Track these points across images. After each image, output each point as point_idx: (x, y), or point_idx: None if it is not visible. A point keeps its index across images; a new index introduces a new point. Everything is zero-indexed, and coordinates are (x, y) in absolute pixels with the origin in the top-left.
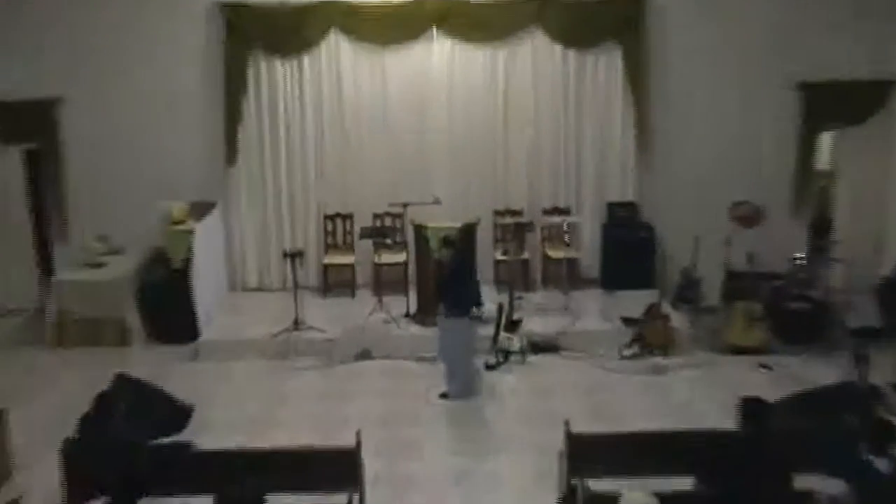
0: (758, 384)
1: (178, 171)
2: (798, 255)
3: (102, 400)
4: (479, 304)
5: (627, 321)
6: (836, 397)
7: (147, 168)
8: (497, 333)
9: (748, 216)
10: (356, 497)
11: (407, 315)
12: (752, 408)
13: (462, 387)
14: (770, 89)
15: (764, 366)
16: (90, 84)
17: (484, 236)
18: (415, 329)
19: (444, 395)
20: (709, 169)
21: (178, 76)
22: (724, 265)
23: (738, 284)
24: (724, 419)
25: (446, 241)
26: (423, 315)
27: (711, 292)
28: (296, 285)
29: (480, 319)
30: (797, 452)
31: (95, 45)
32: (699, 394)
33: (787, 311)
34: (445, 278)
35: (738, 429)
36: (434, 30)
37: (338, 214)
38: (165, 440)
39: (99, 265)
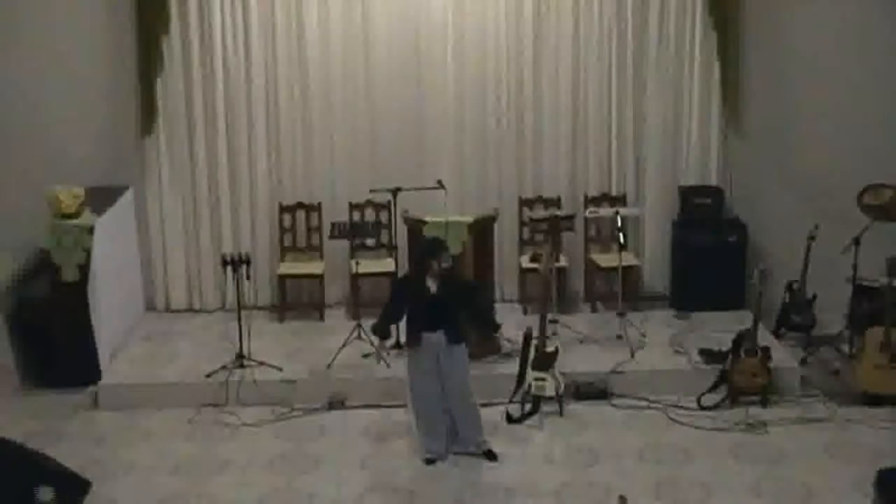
0: None
1: (70, 142)
2: None
3: None
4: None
5: (709, 356)
6: None
7: (25, 139)
8: (523, 373)
9: (886, 206)
10: None
11: (397, 346)
12: (893, 484)
13: None
14: None
15: None
16: None
17: (505, 236)
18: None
19: (491, 455)
20: (829, 139)
21: (68, 9)
22: (852, 277)
23: (872, 304)
24: (851, 498)
25: (439, 246)
26: None
27: (832, 315)
28: (240, 305)
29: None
30: None
31: None
32: (814, 461)
33: None
34: (450, 290)
35: None
36: None
37: (299, 205)
38: None
39: None
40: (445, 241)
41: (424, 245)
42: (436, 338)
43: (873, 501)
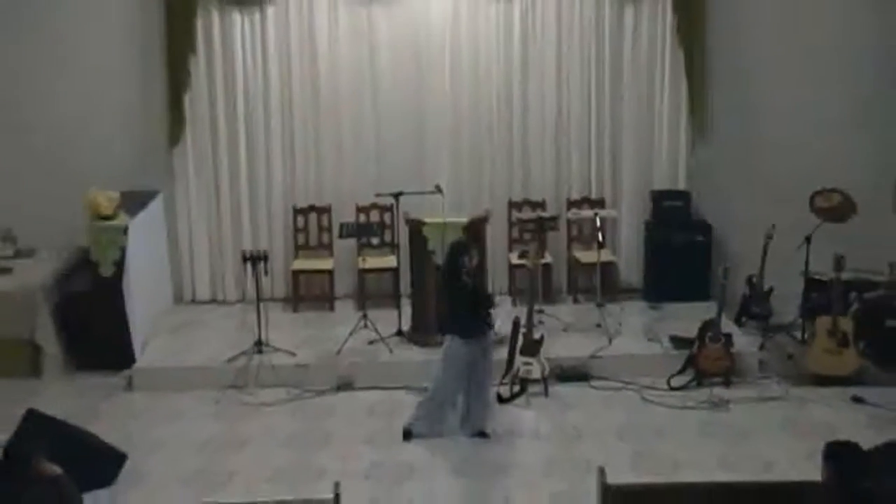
0: (849, 424)
1: (106, 151)
2: None
3: (15, 449)
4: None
5: (678, 342)
6: None
7: (66, 148)
8: (512, 357)
9: (835, 208)
10: None
11: (399, 333)
12: (840, 455)
13: None
14: (867, 49)
15: (857, 399)
16: None
17: (496, 235)
18: (409, 351)
19: (483, 434)
20: (784, 148)
21: (104, 31)
22: (804, 271)
23: (821, 296)
24: (804, 468)
25: (466, 246)
26: (418, 333)
27: (786, 306)
28: (258, 297)
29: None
30: None
31: None
32: (772, 436)
33: (886, 329)
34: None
35: (822, 482)
36: None
37: (311, 208)
38: None
39: (2, 271)
40: (465, 240)
41: (454, 247)
42: (486, 331)
43: (823, 472)
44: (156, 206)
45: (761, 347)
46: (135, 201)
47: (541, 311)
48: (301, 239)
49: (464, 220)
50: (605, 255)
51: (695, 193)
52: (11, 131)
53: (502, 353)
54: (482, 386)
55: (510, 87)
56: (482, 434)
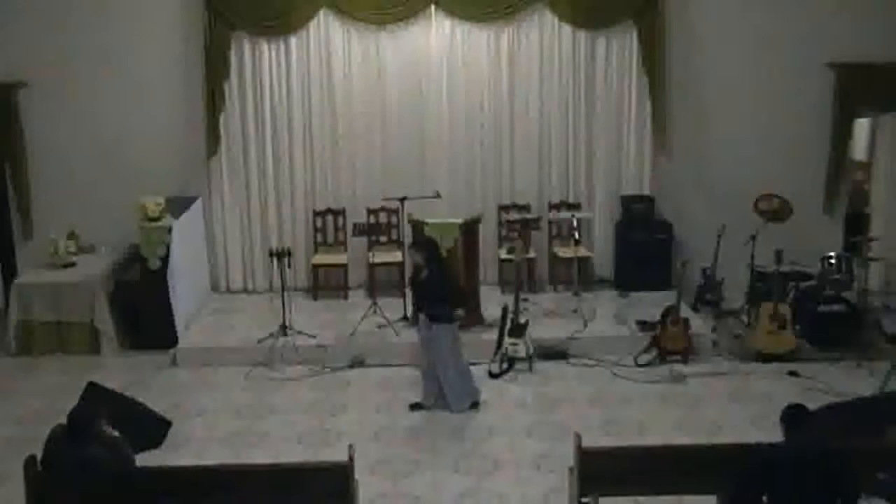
0: (786, 394)
1: (154, 162)
2: (831, 253)
3: (79, 414)
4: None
5: (643, 325)
6: (876, 410)
7: (120, 159)
8: (501, 339)
9: (775, 211)
10: None
11: (404, 318)
12: (795, 416)
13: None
14: (800, 74)
15: (793, 373)
16: (56, 67)
17: (487, 234)
18: (413, 334)
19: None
20: (732, 159)
21: (153, 59)
22: (749, 264)
23: (764, 285)
24: (749, 432)
25: (420, 246)
26: None
27: (735, 294)
28: (283, 287)
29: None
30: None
31: (62, 23)
32: (721, 404)
33: (818, 314)
34: (442, 281)
35: (784, 440)
36: (433, 8)
37: (328, 210)
38: None
39: (67, 265)
40: (416, 244)
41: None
42: (421, 317)
43: (783, 431)
44: (195, 210)
45: (714, 329)
46: (177, 205)
47: (526, 299)
48: (320, 237)
49: (459, 220)
50: (581, 251)
51: (658, 198)
52: (74, 148)
53: (493, 335)
54: (440, 368)
55: (499, 106)
56: (473, 405)
